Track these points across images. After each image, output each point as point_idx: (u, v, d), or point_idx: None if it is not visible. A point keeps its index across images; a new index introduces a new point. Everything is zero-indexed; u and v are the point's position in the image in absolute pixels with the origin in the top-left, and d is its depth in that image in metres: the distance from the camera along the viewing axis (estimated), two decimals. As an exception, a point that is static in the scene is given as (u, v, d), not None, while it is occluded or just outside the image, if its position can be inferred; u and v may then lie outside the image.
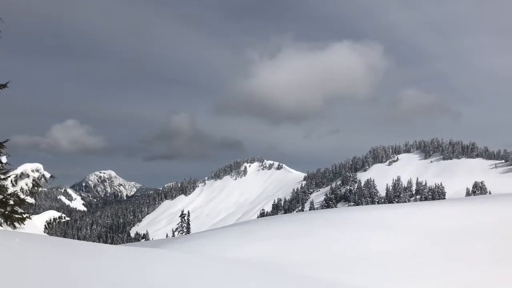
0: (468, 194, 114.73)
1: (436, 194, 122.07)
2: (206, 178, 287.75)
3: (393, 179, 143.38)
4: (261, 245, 17.26)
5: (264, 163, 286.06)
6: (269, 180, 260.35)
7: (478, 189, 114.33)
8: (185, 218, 71.11)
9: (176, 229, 72.70)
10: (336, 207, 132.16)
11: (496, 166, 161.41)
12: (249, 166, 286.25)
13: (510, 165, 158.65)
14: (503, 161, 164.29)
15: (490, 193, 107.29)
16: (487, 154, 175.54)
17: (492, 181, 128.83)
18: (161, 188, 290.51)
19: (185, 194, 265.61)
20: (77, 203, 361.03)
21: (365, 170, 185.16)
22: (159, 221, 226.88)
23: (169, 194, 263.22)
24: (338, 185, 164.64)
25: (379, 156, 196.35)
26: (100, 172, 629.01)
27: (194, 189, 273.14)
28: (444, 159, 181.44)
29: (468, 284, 12.17)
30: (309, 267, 13.58)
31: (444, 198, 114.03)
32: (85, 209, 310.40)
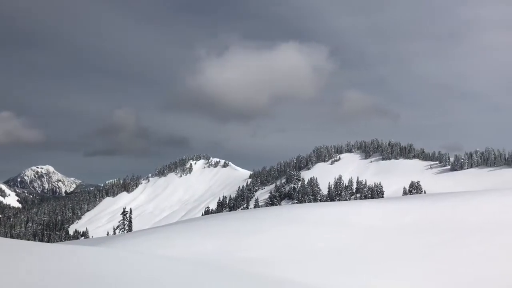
0: (405, 193, 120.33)
1: (375, 192, 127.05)
2: (149, 175, 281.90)
3: (335, 178, 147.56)
4: (208, 242, 17.27)
5: (210, 160, 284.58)
6: (214, 178, 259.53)
7: (414, 189, 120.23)
8: (127, 215, 69.36)
9: (118, 227, 70.71)
10: (280, 204, 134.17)
11: (431, 167, 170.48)
12: (195, 163, 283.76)
13: (444, 166, 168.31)
14: (437, 162, 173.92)
15: (425, 192, 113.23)
16: (423, 156, 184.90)
17: (427, 181, 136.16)
18: (102, 185, 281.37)
19: (128, 191, 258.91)
20: (11, 200, 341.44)
21: (308, 169, 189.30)
22: (100, 218, 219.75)
23: (111, 191, 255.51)
24: (283, 183, 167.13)
25: (322, 155, 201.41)
26: (37, 167, 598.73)
27: (137, 186, 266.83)
28: (383, 159, 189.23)
29: (408, 279, 12.88)
30: (258, 264, 13.79)
31: (383, 197, 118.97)
32: (20, 205, 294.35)
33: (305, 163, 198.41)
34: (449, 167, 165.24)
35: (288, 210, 28.74)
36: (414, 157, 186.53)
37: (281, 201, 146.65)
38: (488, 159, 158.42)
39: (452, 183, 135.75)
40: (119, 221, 70.60)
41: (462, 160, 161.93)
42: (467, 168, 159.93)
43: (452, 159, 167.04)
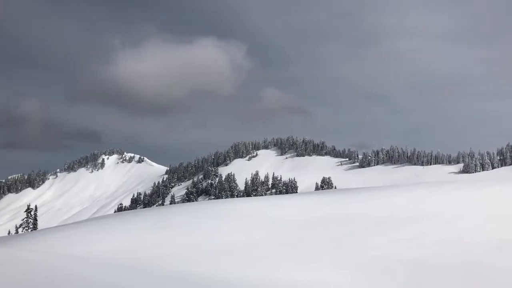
0: (317, 188, 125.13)
1: (290, 188, 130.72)
2: (58, 170, 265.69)
3: (252, 174, 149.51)
4: (116, 239, 16.27)
5: (124, 155, 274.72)
6: (129, 174, 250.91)
7: (326, 184, 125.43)
8: (32, 213, 64.47)
9: (21, 225, 65.53)
10: (197, 200, 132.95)
11: (341, 164, 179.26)
12: (107, 158, 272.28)
13: (353, 163, 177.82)
14: (347, 159, 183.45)
15: (335, 187, 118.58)
16: (334, 153, 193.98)
17: (338, 177, 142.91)
18: (3, 180, 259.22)
19: (33, 187, 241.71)
20: None
21: (226, 165, 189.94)
22: (0, 216, 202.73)
23: (14, 187, 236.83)
24: (200, 179, 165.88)
25: (240, 151, 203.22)
26: None
27: (43, 182, 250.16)
28: (297, 155, 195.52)
29: (321, 269, 12.97)
30: (172, 260, 13.17)
31: (297, 192, 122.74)
32: None
33: (223, 159, 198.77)
34: (357, 163, 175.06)
35: (202, 206, 28.24)
36: (326, 154, 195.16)
37: (198, 197, 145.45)
38: (392, 157, 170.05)
39: (361, 178, 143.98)
40: (23, 219, 65.48)
41: (370, 158, 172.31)
42: (374, 165, 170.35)
43: (360, 157, 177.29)
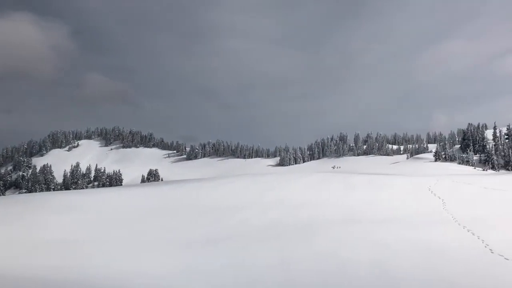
0: (143, 180, 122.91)
1: (114, 180, 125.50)
2: None
3: (72, 165, 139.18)
4: None
5: None
6: None
7: (153, 176, 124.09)
8: None
9: None
10: (4, 195, 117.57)
11: (169, 156, 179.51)
12: None
13: (181, 155, 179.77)
14: (175, 151, 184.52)
15: (162, 179, 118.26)
16: (162, 145, 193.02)
17: (165, 169, 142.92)
18: None
19: None
20: None
21: (42, 155, 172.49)
22: None
23: None
24: (9, 170, 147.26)
25: (58, 141, 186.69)
26: None
27: None
28: (124, 147, 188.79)
29: (150, 260, 12.98)
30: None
31: (121, 184, 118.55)
32: None
33: (38, 149, 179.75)
34: (185, 156, 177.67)
35: (15, 200, 25.39)
36: (154, 146, 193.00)
37: (5, 191, 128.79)
38: (218, 150, 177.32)
39: (188, 170, 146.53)
40: None
41: (197, 150, 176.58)
42: (201, 158, 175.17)
43: (188, 149, 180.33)
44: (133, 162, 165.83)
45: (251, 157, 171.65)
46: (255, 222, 19.01)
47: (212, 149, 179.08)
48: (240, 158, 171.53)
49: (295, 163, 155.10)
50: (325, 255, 12.96)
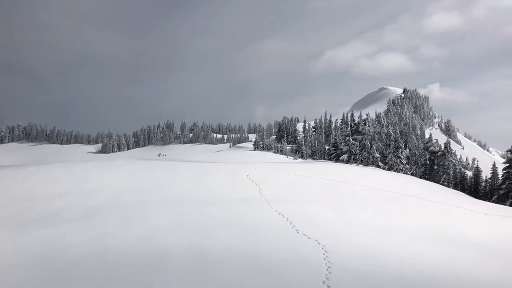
0: None
1: None
2: None
3: None
4: None
5: None
6: None
7: None
8: None
9: None
10: None
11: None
12: None
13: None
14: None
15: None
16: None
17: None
18: None
19: None
20: None
21: None
22: None
23: None
24: None
25: None
26: None
27: None
28: None
29: None
30: None
31: None
32: None
33: None
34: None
35: None
36: None
37: None
38: (30, 134, 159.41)
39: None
40: None
41: (3, 134, 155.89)
42: (8, 142, 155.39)
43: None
44: None
45: (69, 143, 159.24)
46: (70, 214, 17.65)
47: (23, 133, 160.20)
48: (57, 143, 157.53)
49: (119, 150, 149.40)
50: (142, 239, 12.76)
